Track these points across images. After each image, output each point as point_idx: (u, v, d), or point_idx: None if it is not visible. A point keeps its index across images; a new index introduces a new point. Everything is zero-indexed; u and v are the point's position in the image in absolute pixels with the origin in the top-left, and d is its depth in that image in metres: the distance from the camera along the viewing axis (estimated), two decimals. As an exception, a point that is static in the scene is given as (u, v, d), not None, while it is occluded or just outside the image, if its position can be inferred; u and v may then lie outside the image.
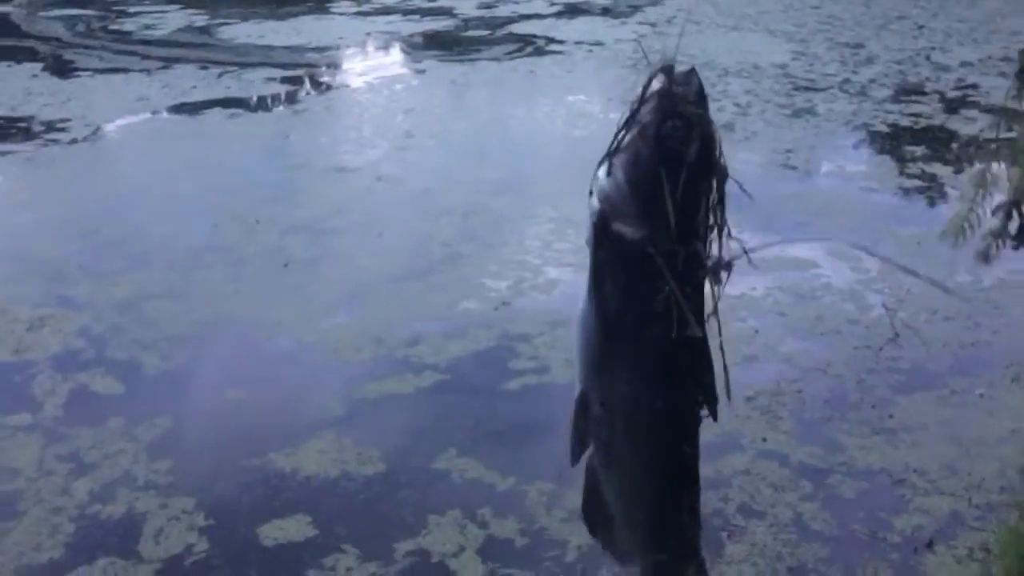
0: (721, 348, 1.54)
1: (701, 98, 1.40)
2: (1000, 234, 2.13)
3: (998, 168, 2.13)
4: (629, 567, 1.74)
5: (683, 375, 1.52)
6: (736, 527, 3.42)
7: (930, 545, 3.28)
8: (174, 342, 4.80)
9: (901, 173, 7.12)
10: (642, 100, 1.40)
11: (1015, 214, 2.11)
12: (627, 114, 1.42)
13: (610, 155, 1.42)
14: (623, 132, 1.41)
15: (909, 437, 3.91)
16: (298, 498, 3.64)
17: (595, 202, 1.45)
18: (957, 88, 9.42)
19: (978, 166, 2.15)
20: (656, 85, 1.40)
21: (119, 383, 4.43)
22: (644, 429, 1.57)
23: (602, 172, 1.43)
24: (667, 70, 1.40)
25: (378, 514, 3.56)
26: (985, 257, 2.19)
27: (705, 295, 1.49)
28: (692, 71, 1.41)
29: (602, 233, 1.44)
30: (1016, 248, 2.14)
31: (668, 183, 1.38)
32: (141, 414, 4.16)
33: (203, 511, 3.56)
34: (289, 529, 3.47)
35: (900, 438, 3.91)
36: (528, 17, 13.61)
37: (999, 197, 2.15)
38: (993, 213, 2.16)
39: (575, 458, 1.61)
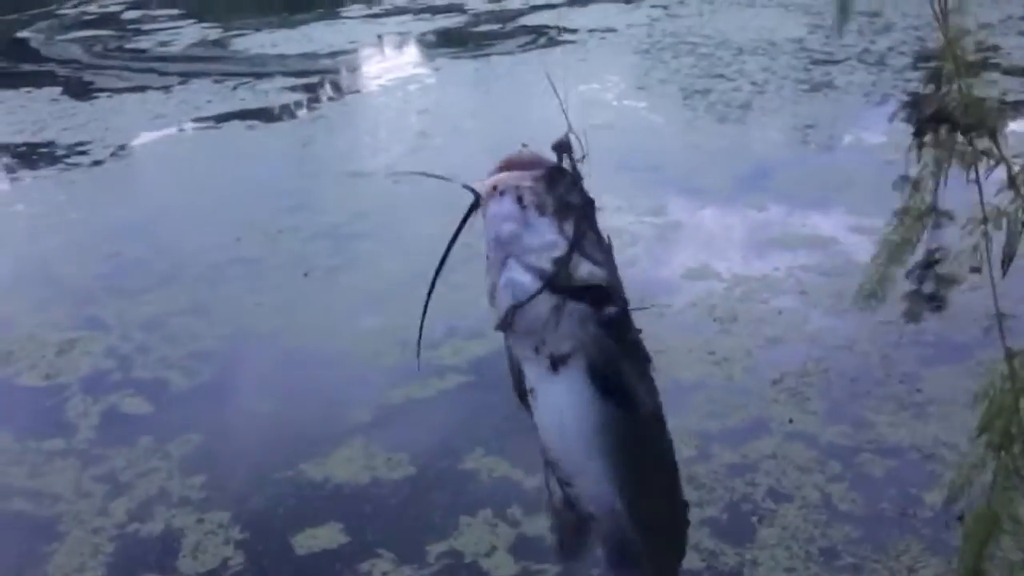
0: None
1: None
2: (915, 297, 2.06)
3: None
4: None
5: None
6: (766, 511, 3.41)
7: (961, 519, 3.25)
8: (200, 358, 4.86)
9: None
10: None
11: (929, 275, 2.04)
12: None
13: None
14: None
15: (937, 411, 3.87)
16: (330, 506, 3.68)
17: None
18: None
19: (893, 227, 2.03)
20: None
21: (148, 402, 4.51)
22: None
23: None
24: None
25: (409, 517, 3.60)
26: (913, 317, 2.11)
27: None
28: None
29: None
30: (935, 311, 2.07)
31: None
32: (171, 431, 4.23)
33: (238, 524, 3.61)
34: (322, 537, 3.51)
35: (929, 412, 3.87)
36: (539, 8, 13.56)
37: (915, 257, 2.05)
38: (907, 275, 2.08)
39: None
